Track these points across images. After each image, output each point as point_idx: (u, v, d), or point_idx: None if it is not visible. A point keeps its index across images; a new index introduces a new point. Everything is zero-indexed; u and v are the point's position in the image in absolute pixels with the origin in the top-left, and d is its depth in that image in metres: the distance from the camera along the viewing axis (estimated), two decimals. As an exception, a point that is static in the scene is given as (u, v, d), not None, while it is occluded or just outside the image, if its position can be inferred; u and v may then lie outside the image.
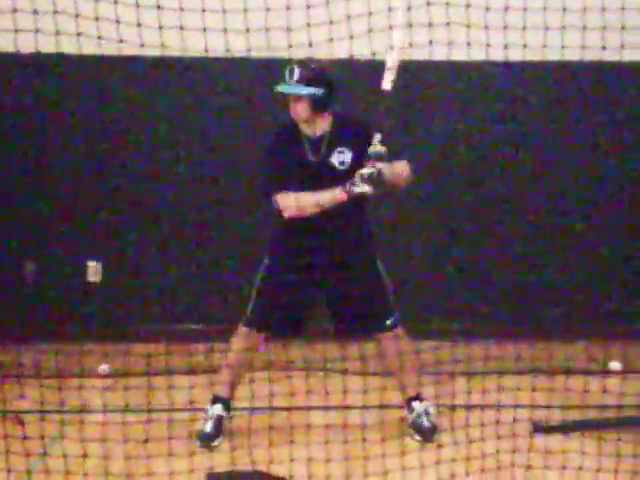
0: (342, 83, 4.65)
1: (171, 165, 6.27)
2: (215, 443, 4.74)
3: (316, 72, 4.55)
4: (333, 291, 4.73)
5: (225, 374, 4.86)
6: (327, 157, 4.62)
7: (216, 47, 4.36)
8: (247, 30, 4.01)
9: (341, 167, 4.61)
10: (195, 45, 4.23)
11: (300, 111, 4.58)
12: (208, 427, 4.78)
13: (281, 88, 4.58)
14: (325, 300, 4.80)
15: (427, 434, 4.79)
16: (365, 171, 4.40)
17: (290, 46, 4.03)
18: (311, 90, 4.52)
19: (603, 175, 6.33)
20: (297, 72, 4.54)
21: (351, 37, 4.10)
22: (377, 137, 4.42)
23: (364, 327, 4.79)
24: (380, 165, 4.40)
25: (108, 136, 6.20)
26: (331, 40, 4.11)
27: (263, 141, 4.79)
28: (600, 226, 6.37)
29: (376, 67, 4.49)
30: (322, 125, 4.63)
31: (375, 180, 4.40)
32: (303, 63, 4.57)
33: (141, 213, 6.30)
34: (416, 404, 4.86)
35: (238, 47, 4.40)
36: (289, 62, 4.58)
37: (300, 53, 4.44)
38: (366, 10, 4.16)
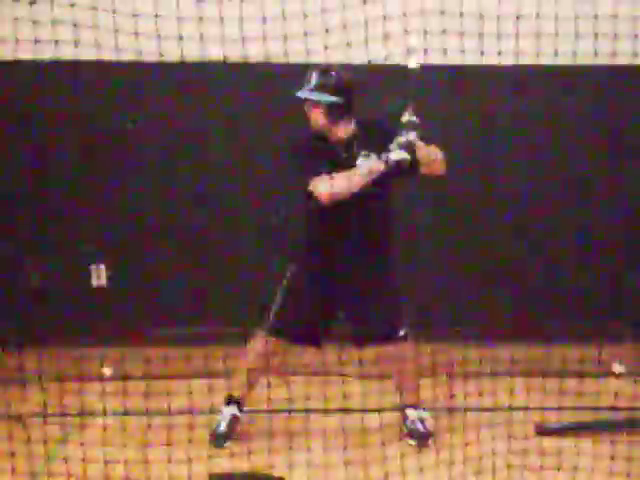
0: (361, 89, 4.62)
1: (175, 169, 6.28)
2: (228, 443, 4.74)
3: (334, 80, 4.51)
4: (352, 300, 4.71)
5: (240, 376, 4.82)
6: (353, 161, 4.56)
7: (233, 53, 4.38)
8: (264, 38, 4.03)
9: None
10: (213, 52, 4.27)
11: (315, 118, 4.56)
12: (222, 426, 4.79)
13: (298, 93, 4.55)
14: (343, 309, 4.78)
15: (422, 439, 4.79)
16: (401, 138, 4.36)
17: (307, 52, 4.05)
18: (327, 98, 4.49)
19: (607, 177, 6.31)
20: (314, 79, 4.52)
21: (366, 41, 4.12)
22: (409, 109, 4.40)
23: (379, 336, 4.74)
24: (414, 133, 4.38)
25: (113, 139, 6.22)
26: (348, 44, 4.13)
27: (280, 144, 4.78)
28: (605, 228, 6.36)
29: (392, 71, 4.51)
30: (346, 130, 4.60)
31: (411, 147, 4.35)
32: (322, 70, 4.54)
33: (145, 217, 6.31)
34: (410, 411, 4.86)
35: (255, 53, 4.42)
36: (310, 67, 4.55)
37: (316, 59, 4.46)
38: (381, 14, 4.18)
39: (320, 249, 4.69)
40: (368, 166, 4.46)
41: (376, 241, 4.69)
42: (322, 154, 4.57)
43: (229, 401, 4.85)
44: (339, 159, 4.58)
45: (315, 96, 4.52)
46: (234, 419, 4.82)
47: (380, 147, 4.51)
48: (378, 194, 4.57)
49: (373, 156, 4.54)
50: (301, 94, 4.55)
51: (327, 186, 4.42)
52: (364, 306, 4.70)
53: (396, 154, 4.35)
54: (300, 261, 4.78)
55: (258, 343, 4.79)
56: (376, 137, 4.56)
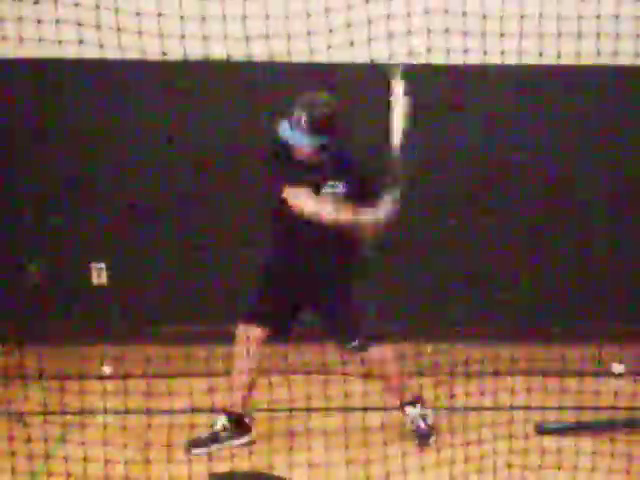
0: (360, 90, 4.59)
1: (175, 168, 6.28)
2: (198, 451, 4.64)
3: (323, 122, 4.48)
4: (313, 301, 4.75)
5: (234, 386, 4.75)
6: (321, 184, 4.62)
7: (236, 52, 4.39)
8: (267, 36, 4.03)
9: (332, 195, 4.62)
10: (216, 50, 4.27)
11: (304, 157, 4.55)
12: (203, 433, 4.73)
13: (288, 136, 4.52)
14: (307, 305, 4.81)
15: (423, 438, 4.80)
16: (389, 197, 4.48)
17: (311, 51, 4.07)
18: (315, 141, 4.49)
19: (609, 177, 6.32)
20: (304, 122, 4.47)
21: (370, 40, 4.13)
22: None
23: (337, 340, 4.78)
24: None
25: (112, 139, 6.22)
26: (351, 44, 4.14)
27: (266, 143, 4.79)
28: (603, 228, 6.37)
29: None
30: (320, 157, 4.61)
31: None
32: (310, 109, 4.47)
33: (145, 216, 6.31)
34: (409, 409, 4.86)
35: (259, 52, 4.41)
36: (300, 107, 4.48)
37: (320, 58, 4.45)
38: (385, 14, 4.19)
39: (285, 245, 4.72)
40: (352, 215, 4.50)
41: (334, 254, 4.68)
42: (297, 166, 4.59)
43: (224, 412, 4.79)
44: (310, 176, 4.59)
45: (304, 139, 4.49)
46: (218, 430, 4.74)
47: (346, 178, 4.61)
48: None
49: (339, 188, 4.61)
50: (290, 136, 4.51)
51: (304, 204, 4.48)
52: (320, 313, 4.75)
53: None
54: (268, 252, 4.80)
55: (239, 338, 4.74)
56: (344, 168, 4.63)
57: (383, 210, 4.48)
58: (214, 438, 4.73)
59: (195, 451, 4.65)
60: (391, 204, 4.49)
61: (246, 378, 4.73)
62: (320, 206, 4.51)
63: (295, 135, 4.52)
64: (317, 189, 4.61)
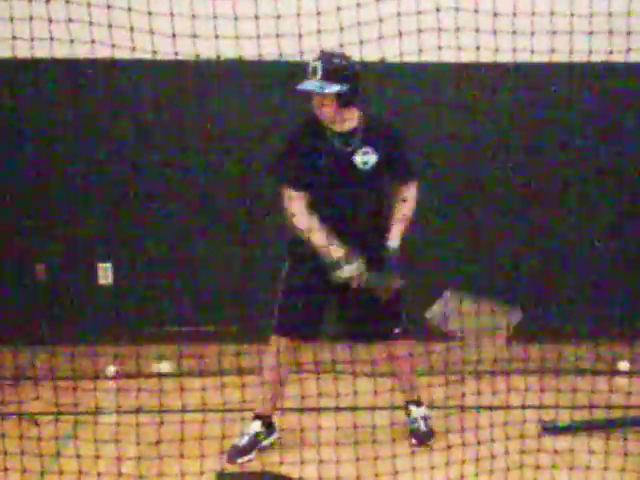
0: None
1: (181, 168, 6.30)
2: (244, 459, 4.62)
3: (340, 67, 4.35)
4: (346, 295, 4.59)
5: (264, 390, 4.72)
6: (352, 155, 4.48)
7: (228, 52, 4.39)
8: (258, 36, 4.04)
9: (364, 167, 4.49)
10: (207, 50, 4.29)
11: (326, 109, 4.40)
12: (242, 441, 4.67)
13: (305, 86, 4.38)
14: (336, 303, 4.69)
15: (422, 438, 4.81)
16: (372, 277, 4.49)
17: (301, 52, 4.06)
18: (335, 87, 4.33)
19: (608, 176, 6.34)
20: (320, 68, 4.34)
21: (361, 42, 4.12)
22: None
23: (373, 333, 4.68)
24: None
25: (118, 139, 6.24)
26: (341, 45, 4.13)
27: (274, 143, 4.79)
28: (608, 226, 6.39)
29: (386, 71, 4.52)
30: (350, 122, 4.49)
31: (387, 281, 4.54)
32: (326, 58, 4.37)
33: (152, 215, 6.33)
34: (413, 408, 4.89)
35: (250, 52, 4.41)
36: (313, 58, 4.39)
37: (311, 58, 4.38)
38: (376, 16, 4.18)
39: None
40: (325, 250, 4.43)
41: (369, 238, 4.57)
42: (315, 151, 4.46)
43: (255, 417, 4.76)
44: (334, 151, 4.46)
45: (324, 86, 4.33)
46: (254, 436, 4.71)
47: (381, 147, 4.49)
48: (370, 194, 4.56)
49: (372, 156, 4.50)
50: (308, 85, 4.38)
51: (296, 218, 4.44)
52: (360, 303, 4.58)
53: (344, 274, 4.45)
54: (293, 255, 4.67)
55: (272, 349, 4.65)
56: (380, 136, 4.51)
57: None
58: (254, 443, 4.69)
59: (240, 460, 4.60)
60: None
61: (274, 384, 4.69)
62: (309, 229, 4.43)
63: (311, 84, 4.36)
64: (347, 159, 4.48)
